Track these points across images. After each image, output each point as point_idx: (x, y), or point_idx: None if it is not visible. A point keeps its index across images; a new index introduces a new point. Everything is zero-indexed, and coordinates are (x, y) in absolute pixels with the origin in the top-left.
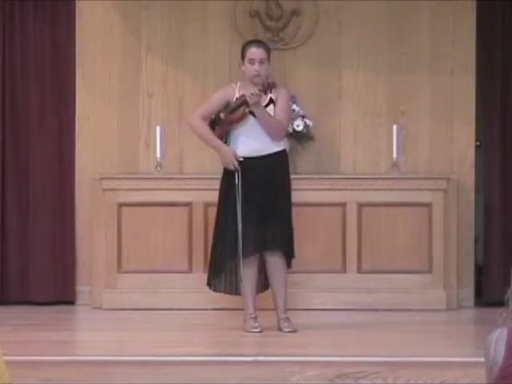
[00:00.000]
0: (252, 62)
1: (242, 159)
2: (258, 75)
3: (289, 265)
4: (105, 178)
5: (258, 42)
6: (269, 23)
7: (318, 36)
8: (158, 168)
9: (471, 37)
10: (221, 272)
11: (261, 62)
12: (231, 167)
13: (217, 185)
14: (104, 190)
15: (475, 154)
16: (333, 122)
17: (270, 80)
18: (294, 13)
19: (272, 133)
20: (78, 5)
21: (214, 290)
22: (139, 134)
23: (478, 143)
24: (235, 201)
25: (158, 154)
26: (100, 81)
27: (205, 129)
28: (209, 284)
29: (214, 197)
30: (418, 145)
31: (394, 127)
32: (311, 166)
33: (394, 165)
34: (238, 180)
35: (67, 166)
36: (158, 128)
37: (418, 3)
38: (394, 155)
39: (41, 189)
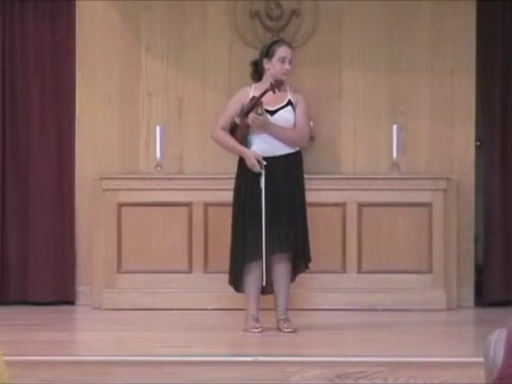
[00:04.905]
0: (283, 60)
1: (265, 163)
2: (288, 74)
3: (306, 266)
4: (105, 177)
5: (288, 42)
6: (269, 23)
7: (318, 36)
8: (158, 168)
9: (471, 37)
10: (245, 273)
11: (289, 61)
12: (256, 170)
13: (217, 185)
14: (104, 190)
15: (475, 154)
16: (333, 121)
17: (277, 78)
18: (294, 13)
19: (292, 143)
20: (77, 5)
21: (237, 291)
22: (139, 134)
23: (478, 143)
24: (255, 201)
25: (158, 154)
26: (100, 81)
27: (226, 139)
28: (231, 283)
29: (214, 197)
30: (417, 145)
31: (394, 127)
32: (311, 166)
33: (394, 165)
34: (262, 183)
35: (67, 166)
36: (157, 128)
37: (418, 3)
38: (394, 155)
39: (41, 189)
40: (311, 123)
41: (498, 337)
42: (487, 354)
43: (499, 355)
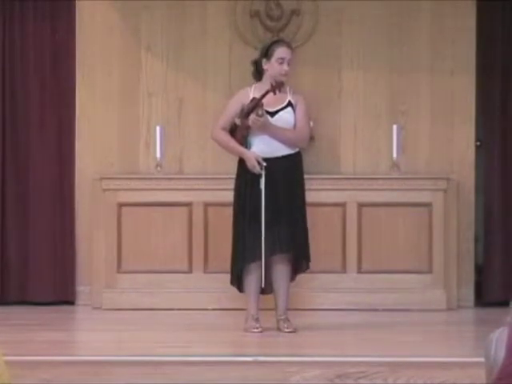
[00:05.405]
0: (281, 61)
1: (265, 164)
2: (286, 75)
3: (307, 266)
4: (105, 177)
5: (288, 43)
6: (269, 23)
7: (318, 36)
8: (158, 168)
9: (471, 37)
10: (245, 273)
11: (288, 62)
12: (256, 171)
13: (217, 185)
14: (104, 190)
15: (475, 154)
16: (333, 122)
17: (276, 79)
18: (294, 13)
19: (292, 144)
20: (77, 5)
21: (240, 291)
22: (139, 134)
23: (478, 143)
24: (255, 202)
25: (158, 154)
26: (100, 81)
27: (226, 139)
28: (233, 284)
29: (214, 197)
30: (417, 145)
31: (394, 127)
32: (311, 166)
33: (394, 165)
34: (262, 184)
35: (67, 166)
36: (157, 128)
37: (418, 3)
38: (394, 155)
39: (41, 189)
40: (311, 124)
41: (500, 336)
42: (488, 353)
43: (500, 354)
